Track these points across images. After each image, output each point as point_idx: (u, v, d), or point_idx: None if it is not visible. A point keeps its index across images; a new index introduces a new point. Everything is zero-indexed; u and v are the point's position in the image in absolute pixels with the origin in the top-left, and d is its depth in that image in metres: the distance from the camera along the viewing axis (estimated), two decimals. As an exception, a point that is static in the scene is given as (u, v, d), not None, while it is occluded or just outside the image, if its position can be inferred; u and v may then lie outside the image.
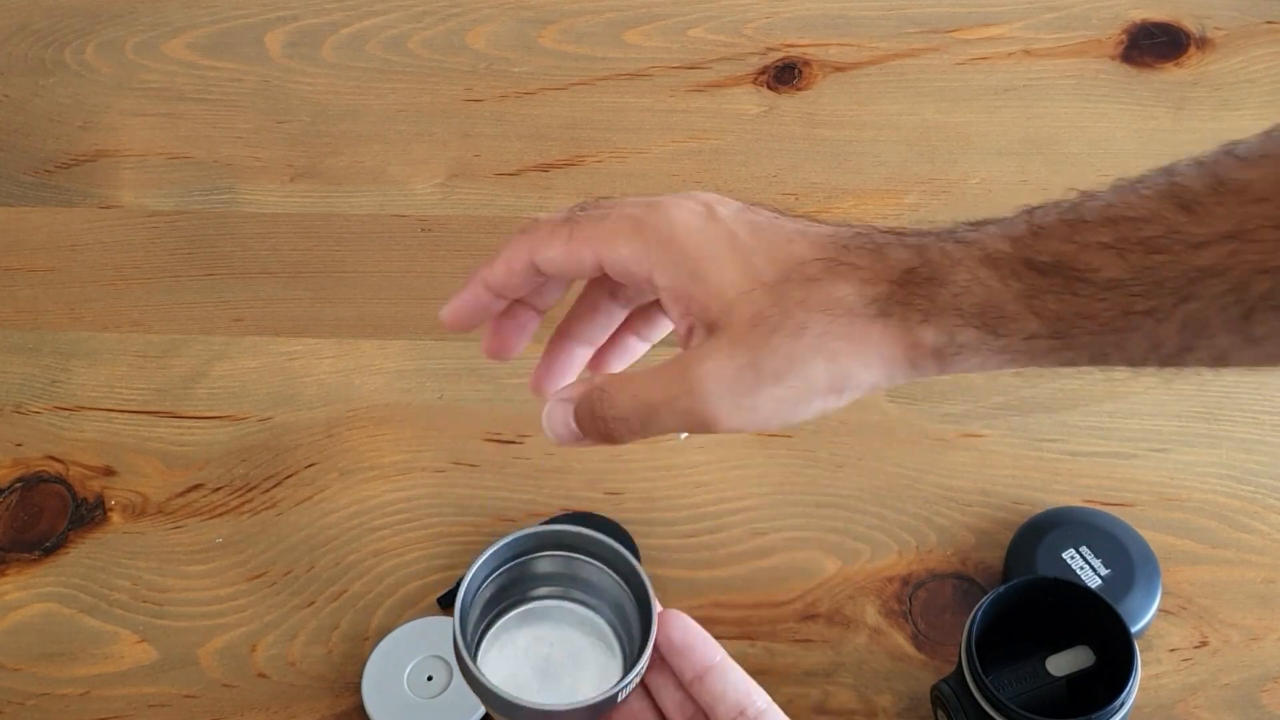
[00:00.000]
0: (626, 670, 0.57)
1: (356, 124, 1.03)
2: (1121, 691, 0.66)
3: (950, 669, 0.72)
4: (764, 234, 0.54)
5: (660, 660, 0.57)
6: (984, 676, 0.67)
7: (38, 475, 0.86)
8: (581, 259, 0.56)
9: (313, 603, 0.80)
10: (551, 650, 0.60)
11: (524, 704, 0.55)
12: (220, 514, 0.84)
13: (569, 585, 0.60)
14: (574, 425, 0.57)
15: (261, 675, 0.78)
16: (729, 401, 0.54)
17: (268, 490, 0.85)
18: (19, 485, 0.86)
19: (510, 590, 0.60)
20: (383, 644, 0.77)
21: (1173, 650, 0.76)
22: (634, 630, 0.58)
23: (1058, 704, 0.69)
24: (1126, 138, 0.98)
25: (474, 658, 0.57)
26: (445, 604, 0.79)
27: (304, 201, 0.99)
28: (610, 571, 0.59)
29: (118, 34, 1.09)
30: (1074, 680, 0.69)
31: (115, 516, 0.84)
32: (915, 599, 0.79)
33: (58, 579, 0.82)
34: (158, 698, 0.77)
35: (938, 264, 0.53)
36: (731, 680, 0.57)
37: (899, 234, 0.54)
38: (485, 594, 0.59)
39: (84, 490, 0.85)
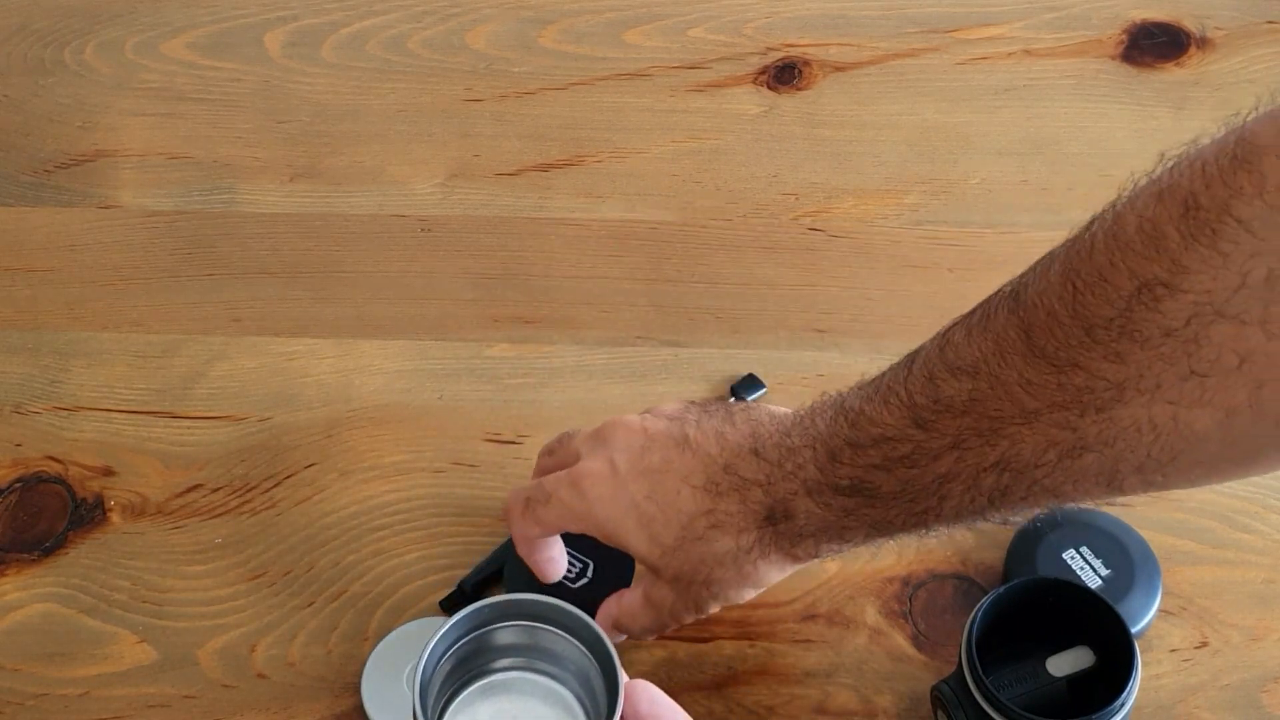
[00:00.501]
0: None
1: (356, 124, 1.03)
2: (1122, 692, 0.66)
3: (950, 669, 0.72)
4: (658, 493, 0.68)
5: None
6: (984, 677, 0.67)
7: (37, 475, 0.86)
8: (551, 530, 0.73)
9: (312, 603, 0.80)
10: None
11: None
12: (220, 514, 0.84)
13: (532, 656, 0.58)
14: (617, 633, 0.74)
15: (261, 676, 0.78)
16: (693, 616, 0.72)
17: (267, 490, 0.85)
18: (18, 485, 0.86)
19: (471, 662, 0.58)
20: (382, 644, 0.77)
21: (1173, 651, 0.76)
22: (600, 701, 0.56)
23: (1058, 704, 0.69)
24: (1126, 138, 0.98)
25: None
26: (446, 607, 0.79)
27: (303, 201, 0.99)
28: (575, 641, 0.57)
29: (117, 34, 1.09)
30: (1074, 681, 0.69)
31: (115, 517, 0.84)
32: (915, 599, 0.79)
33: (57, 579, 0.82)
34: (157, 698, 0.77)
35: (784, 499, 0.66)
36: None
37: (758, 453, 0.67)
38: (445, 667, 0.57)
39: (83, 490, 0.85)
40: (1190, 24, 1.04)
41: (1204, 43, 1.03)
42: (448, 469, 0.85)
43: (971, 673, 0.68)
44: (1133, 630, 0.70)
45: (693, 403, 0.74)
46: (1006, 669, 0.69)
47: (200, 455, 0.86)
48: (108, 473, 0.86)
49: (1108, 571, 0.76)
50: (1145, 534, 0.77)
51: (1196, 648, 0.76)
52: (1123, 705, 0.67)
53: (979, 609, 0.69)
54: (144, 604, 0.81)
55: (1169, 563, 0.78)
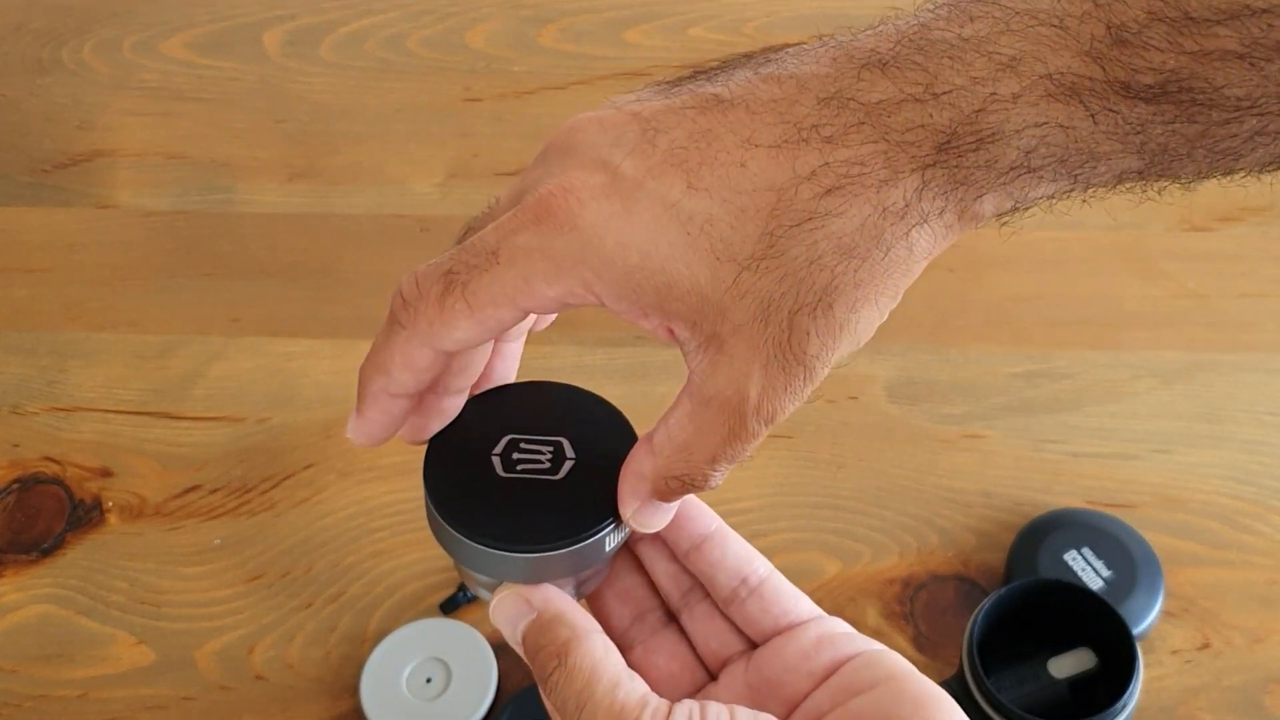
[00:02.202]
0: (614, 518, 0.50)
1: (355, 123, 1.02)
2: (1123, 694, 0.66)
3: (952, 671, 0.72)
4: (707, 177, 0.42)
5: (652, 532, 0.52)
6: (986, 679, 0.67)
7: (35, 476, 0.86)
8: (500, 320, 0.45)
9: (311, 604, 0.80)
10: None
11: (506, 554, 0.50)
12: (218, 515, 0.84)
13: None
14: (658, 502, 0.49)
15: (259, 677, 0.78)
16: (792, 403, 0.45)
17: (265, 491, 0.85)
18: (16, 486, 0.85)
19: None
20: (381, 646, 0.77)
21: (1175, 652, 0.76)
22: None
23: (1059, 706, 0.69)
24: (1128, 137, 0.98)
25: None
26: (446, 609, 0.78)
27: (302, 201, 0.98)
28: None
29: (115, 33, 1.09)
30: (1076, 682, 0.69)
31: (112, 518, 0.84)
32: (916, 601, 0.78)
33: (55, 580, 0.82)
34: (155, 700, 0.77)
35: (984, 116, 0.41)
36: (730, 548, 0.51)
37: (888, 69, 0.41)
38: None
39: (81, 491, 0.85)
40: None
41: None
42: (447, 470, 0.85)
43: (973, 674, 0.67)
44: (1134, 631, 0.70)
45: (659, 81, 0.48)
46: (1008, 671, 0.69)
47: (198, 456, 0.86)
48: (105, 473, 0.86)
49: (1109, 573, 0.75)
50: (1147, 535, 0.77)
51: (1198, 649, 0.76)
52: (1124, 707, 0.66)
53: (980, 610, 0.68)
54: (142, 605, 0.80)
55: (1171, 564, 0.78)
